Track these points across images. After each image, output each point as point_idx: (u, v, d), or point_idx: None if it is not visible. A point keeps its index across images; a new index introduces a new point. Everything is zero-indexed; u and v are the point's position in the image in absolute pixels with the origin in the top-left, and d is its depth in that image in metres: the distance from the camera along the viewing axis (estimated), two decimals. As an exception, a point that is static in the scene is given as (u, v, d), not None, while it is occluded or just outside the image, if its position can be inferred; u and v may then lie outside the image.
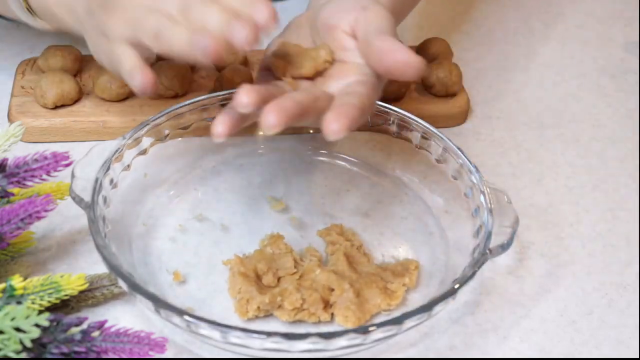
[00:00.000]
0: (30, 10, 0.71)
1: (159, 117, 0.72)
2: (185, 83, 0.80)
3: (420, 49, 0.86)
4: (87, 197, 0.65)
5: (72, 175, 0.65)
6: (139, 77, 0.63)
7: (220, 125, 0.59)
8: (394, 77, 0.64)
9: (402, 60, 0.62)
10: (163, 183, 0.74)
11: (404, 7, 0.76)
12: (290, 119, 0.58)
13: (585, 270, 0.70)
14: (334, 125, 0.57)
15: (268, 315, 0.64)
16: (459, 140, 0.75)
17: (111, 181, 0.68)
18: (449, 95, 0.82)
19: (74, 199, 0.65)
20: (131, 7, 0.63)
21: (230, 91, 0.75)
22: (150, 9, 0.62)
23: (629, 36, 0.97)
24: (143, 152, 0.72)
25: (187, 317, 0.58)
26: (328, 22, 0.67)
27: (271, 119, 0.57)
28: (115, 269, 0.60)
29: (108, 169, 0.68)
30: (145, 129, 0.71)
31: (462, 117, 0.83)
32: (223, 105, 0.75)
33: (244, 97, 0.58)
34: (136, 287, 0.59)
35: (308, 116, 0.60)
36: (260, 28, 0.59)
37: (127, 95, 0.79)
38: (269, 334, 0.57)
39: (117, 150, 0.69)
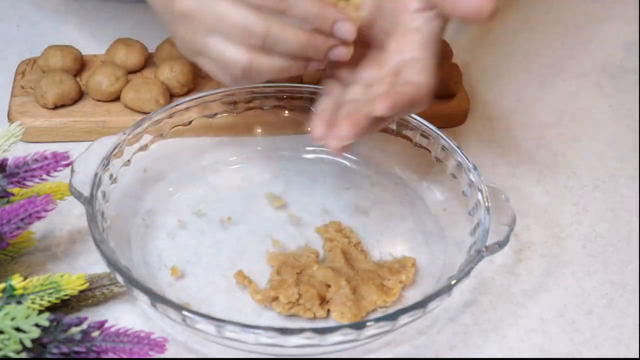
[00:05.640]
0: None
1: (159, 114, 0.72)
2: (196, 78, 0.81)
3: (420, 49, 0.86)
4: (86, 192, 0.65)
5: (72, 170, 0.65)
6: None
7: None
8: (467, 22, 0.65)
9: (474, 5, 0.63)
10: (163, 179, 0.74)
11: None
12: (363, 132, 0.61)
13: (585, 270, 0.70)
14: (380, 105, 0.60)
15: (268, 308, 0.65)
16: (459, 140, 0.75)
17: (111, 176, 0.68)
18: (449, 95, 0.82)
19: (73, 193, 0.65)
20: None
21: (231, 89, 0.76)
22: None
23: (629, 36, 0.97)
24: (143, 148, 0.72)
25: (184, 312, 0.58)
26: None
27: (345, 131, 0.61)
28: (112, 264, 0.60)
29: (108, 164, 0.68)
30: (146, 125, 0.72)
31: (462, 117, 0.83)
32: (224, 102, 0.76)
33: (318, 130, 0.63)
34: (133, 282, 0.59)
35: (377, 125, 0.63)
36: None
37: (119, 95, 0.79)
38: (264, 329, 0.57)
39: (117, 146, 0.69)
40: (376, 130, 0.65)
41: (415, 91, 0.63)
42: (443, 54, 0.85)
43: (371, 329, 0.58)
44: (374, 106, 0.60)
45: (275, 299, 0.64)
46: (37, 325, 0.55)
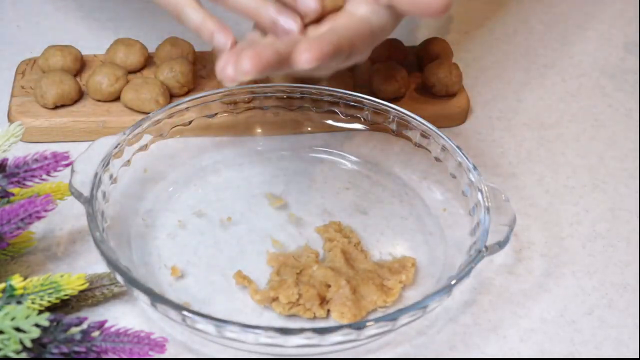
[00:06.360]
0: None
1: (159, 114, 0.72)
2: (196, 78, 0.82)
3: (420, 49, 0.86)
4: (86, 192, 0.65)
5: (72, 170, 0.66)
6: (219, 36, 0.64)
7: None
8: (418, 13, 0.62)
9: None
10: (163, 179, 0.74)
11: None
12: (266, 67, 0.57)
13: (585, 270, 0.70)
14: (304, 55, 0.57)
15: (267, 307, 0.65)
16: (459, 140, 0.75)
17: (111, 176, 0.68)
18: (449, 95, 0.83)
19: (73, 193, 0.65)
20: None
21: (231, 89, 0.76)
22: None
23: (629, 36, 0.97)
24: (143, 148, 0.72)
25: (184, 312, 0.58)
26: None
27: (246, 65, 0.56)
28: (112, 264, 0.60)
29: (108, 164, 0.68)
30: (146, 125, 0.72)
31: (462, 117, 0.83)
32: (224, 102, 0.75)
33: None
34: (133, 282, 0.59)
35: (287, 63, 0.59)
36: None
37: (119, 95, 0.79)
38: (264, 329, 0.57)
39: (117, 146, 0.69)
40: (284, 71, 0.60)
41: (339, 37, 0.59)
42: (443, 54, 0.85)
43: (371, 329, 0.58)
44: (297, 58, 0.57)
45: (275, 299, 0.64)
46: (37, 325, 0.55)
